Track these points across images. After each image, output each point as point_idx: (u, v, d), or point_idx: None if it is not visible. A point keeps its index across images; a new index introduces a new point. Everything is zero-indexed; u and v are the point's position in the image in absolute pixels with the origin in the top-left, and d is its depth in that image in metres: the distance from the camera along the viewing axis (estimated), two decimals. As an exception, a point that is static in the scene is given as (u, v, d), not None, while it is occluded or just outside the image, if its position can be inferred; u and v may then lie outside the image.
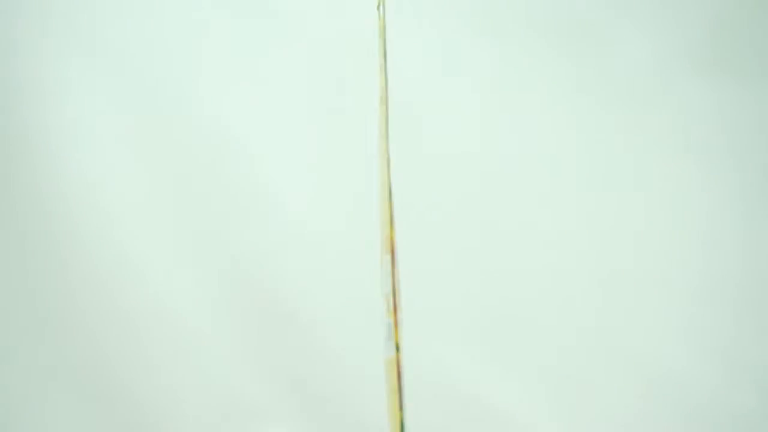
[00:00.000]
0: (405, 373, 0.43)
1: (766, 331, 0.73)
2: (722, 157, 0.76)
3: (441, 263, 0.72)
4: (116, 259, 0.79)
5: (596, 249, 0.77)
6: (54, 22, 0.80)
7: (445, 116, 0.71)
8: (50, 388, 0.77)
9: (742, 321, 0.74)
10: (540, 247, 0.76)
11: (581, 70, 0.77)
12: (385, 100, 0.43)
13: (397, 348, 0.42)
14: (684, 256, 0.76)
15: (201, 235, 0.80)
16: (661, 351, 0.75)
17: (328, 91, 0.65)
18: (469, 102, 0.74)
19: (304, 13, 0.75)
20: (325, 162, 0.70)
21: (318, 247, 0.73)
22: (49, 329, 0.78)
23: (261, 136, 0.80)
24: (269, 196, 0.79)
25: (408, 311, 0.44)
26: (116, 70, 0.80)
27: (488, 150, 0.73)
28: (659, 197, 0.77)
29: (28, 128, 0.78)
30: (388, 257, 0.42)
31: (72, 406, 0.77)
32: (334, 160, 0.58)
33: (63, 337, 0.78)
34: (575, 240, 0.77)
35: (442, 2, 0.65)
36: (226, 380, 0.78)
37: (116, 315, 0.79)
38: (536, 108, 0.75)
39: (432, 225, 0.71)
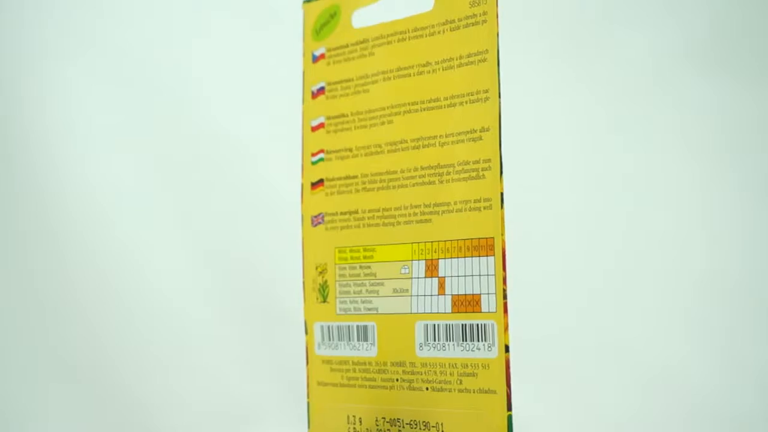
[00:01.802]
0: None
1: (766, 330, 0.75)
2: (722, 156, 0.77)
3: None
4: (115, 259, 0.79)
5: (595, 248, 0.77)
6: (53, 21, 0.79)
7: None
8: (48, 389, 0.77)
9: (742, 320, 0.75)
10: (541, 246, 0.74)
11: (578, 68, 0.78)
12: (497, 109, 0.43)
13: (507, 349, 0.43)
14: (683, 255, 0.77)
15: (201, 235, 0.79)
16: (661, 350, 0.75)
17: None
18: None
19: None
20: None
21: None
22: (47, 329, 0.77)
23: (264, 136, 0.79)
24: (270, 197, 0.79)
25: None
26: (116, 69, 0.80)
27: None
28: (658, 196, 0.77)
29: (27, 128, 0.78)
30: (494, 259, 0.43)
31: (70, 405, 0.77)
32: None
33: (61, 338, 0.77)
34: (575, 239, 0.77)
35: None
36: (225, 380, 0.78)
37: (115, 315, 0.78)
38: (535, 105, 0.73)
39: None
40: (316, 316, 0.48)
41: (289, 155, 0.70)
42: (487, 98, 0.43)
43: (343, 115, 0.47)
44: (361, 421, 0.46)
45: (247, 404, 0.80)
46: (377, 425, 0.46)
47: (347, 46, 0.48)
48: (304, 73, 0.50)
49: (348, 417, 0.47)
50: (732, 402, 0.74)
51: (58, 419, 0.77)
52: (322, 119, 0.48)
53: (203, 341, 0.80)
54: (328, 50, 0.49)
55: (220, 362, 0.80)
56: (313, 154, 0.49)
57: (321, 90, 0.49)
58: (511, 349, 0.42)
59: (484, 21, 0.43)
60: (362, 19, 0.48)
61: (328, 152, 0.48)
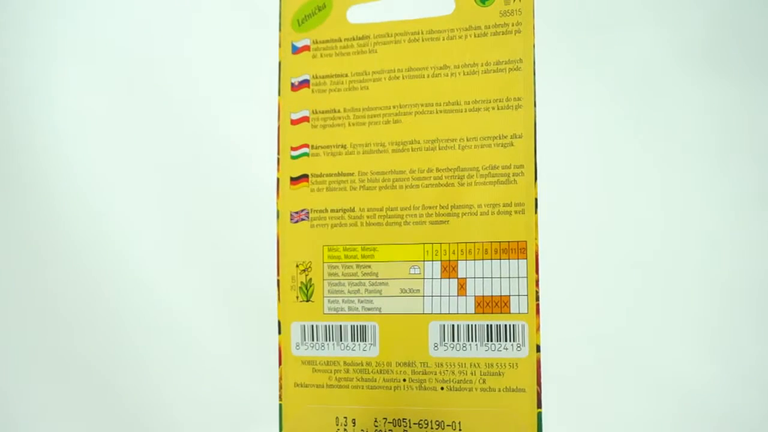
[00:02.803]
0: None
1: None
2: (724, 157, 0.76)
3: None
4: (115, 259, 0.77)
5: (599, 249, 0.76)
6: (52, 20, 0.78)
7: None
8: (48, 389, 0.75)
9: (747, 323, 0.74)
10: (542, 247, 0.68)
11: (581, 67, 0.76)
12: (532, 117, 0.45)
13: (538, 349, 0.44)
14: (686, 256, 0.76)
15: (200, 235, 0.77)
16: (669, 353, 0.75)
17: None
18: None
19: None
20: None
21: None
22: (45, 330, 0.76)
23: (263, 136, 0.64)
24: (271, 197, 0.65)
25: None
26: (114, 69, 0.77)
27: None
28: (659, 198, 0.76)
29: (25, 128, 0.77)
30: (527, 261, 0.44)
31: (69, 406, 0.75)
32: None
33: (60, 338, 0.76)
34: (579, 241, 0.75)
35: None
36: (225, 380, 0.76)
37: (114, 315, 0.76)
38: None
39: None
40: (295, 315, 0.47)
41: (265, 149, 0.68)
42: (519, 106, 0.44)
43: (333, 111, 0.47)
44: (354, 423, 0.46)
45: (246, 405, 0.78)
46: (376, 426, 0.45)
47: (340, 40, 0.47)
48: (280, 63, 0.48)
49: (337, 419, 0.46)
50: (745, 408, 0.76)
51: (57, 420, 0.77)
52: (305, 113, 0.47)
53: (202, 341, 0.78)
54: (314, 42, 0.47)
55: (219, 362, 0.78)
56: (294, 148, 0.47)
57: (304, 83, 0.47)
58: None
59: (518, 31, 0.44)
60: (361, 15, 0.47)
61: (314, 147, 0.47)
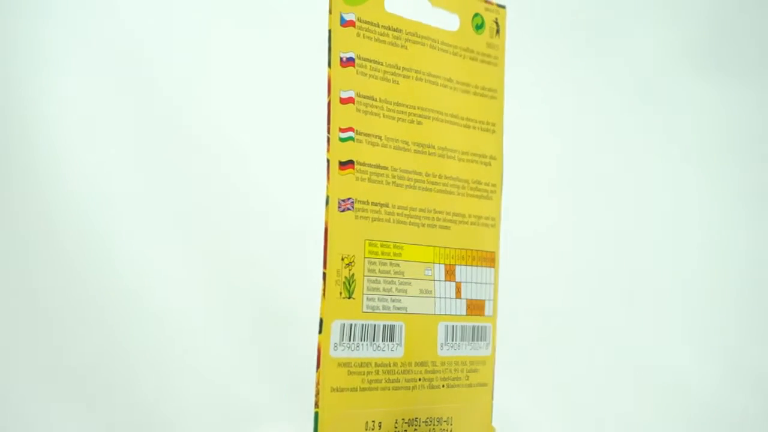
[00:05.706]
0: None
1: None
2: (726, 157, 0.79)
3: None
4: (115, 259, 0.75)
5: (598, 250, 0.77)
6: (53, 20, 0.76)
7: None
8: (48, 389, 0.72)
9: (745, 323, 0.77)
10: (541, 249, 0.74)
11: (581, 68, 0.78)
12: (501, 142, 0.51)
13: (494, 348, 0.51)
14: (686, 257, 0.78)
15: (201, 235, 0.77)
16: (664, 353, 0.76)
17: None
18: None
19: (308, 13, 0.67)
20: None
21: (318, 248, 0.38)
22: (47, 329, 0.73)
23: (262, 137, 0.78)
24: (269, 198, 0.79)
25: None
26: (115, 69, 0.77)
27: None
28: (660, 198, 0.77)
29: (25, 127, 0.75)
30: (494, 270, 0.51)
31: (69, 406, 0.72)
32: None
33: (61, 338, 0.73)
34: (579, 241, 0.76)
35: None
36: (226, 380, 0.75)
37: (115, 315, 0.74)
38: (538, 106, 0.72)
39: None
40: (337, 313, 0.45)
41: (291, 159, 0.72)
42: (494, 131, 0.52)
43: (372, 98, 0.46)
44: (380, 426, 0.46)
45: (247, 405, 0.75)
46: (396, 427, 0.47)
47: (378, 26, 0.47)
48: (331, 33, 0.45)
49: (366, 423, 0.46)
50: (732, 402, 0.80)
51: (57, 420, 0.72)
52: (352, 93, 0.46)
53: (203, 341, 0.76)
54: (359, 20, 0.46)
55: (221, 362, 0.75)
56: (342, 130, 0.45)
57: (351, 61, 0.46)
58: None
59: (496, 64, 0.52)
60: (393, 6, 0.48)
61: (358, 133, 0.46)
